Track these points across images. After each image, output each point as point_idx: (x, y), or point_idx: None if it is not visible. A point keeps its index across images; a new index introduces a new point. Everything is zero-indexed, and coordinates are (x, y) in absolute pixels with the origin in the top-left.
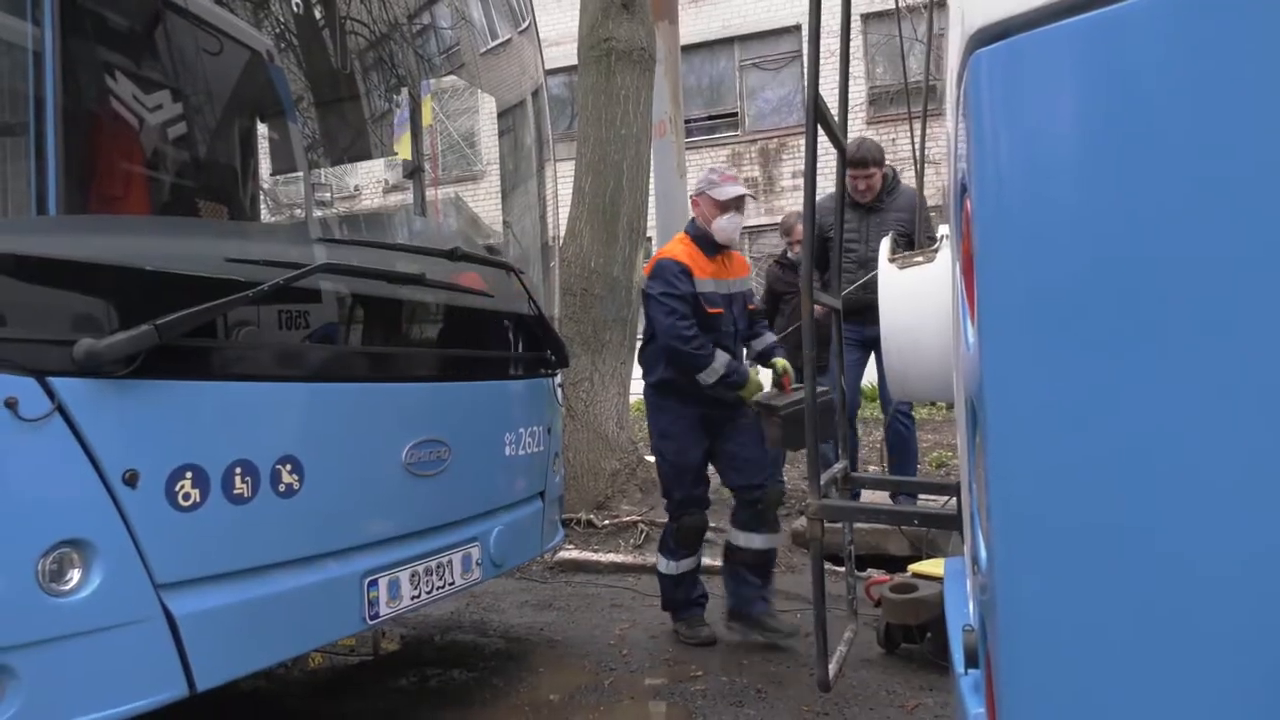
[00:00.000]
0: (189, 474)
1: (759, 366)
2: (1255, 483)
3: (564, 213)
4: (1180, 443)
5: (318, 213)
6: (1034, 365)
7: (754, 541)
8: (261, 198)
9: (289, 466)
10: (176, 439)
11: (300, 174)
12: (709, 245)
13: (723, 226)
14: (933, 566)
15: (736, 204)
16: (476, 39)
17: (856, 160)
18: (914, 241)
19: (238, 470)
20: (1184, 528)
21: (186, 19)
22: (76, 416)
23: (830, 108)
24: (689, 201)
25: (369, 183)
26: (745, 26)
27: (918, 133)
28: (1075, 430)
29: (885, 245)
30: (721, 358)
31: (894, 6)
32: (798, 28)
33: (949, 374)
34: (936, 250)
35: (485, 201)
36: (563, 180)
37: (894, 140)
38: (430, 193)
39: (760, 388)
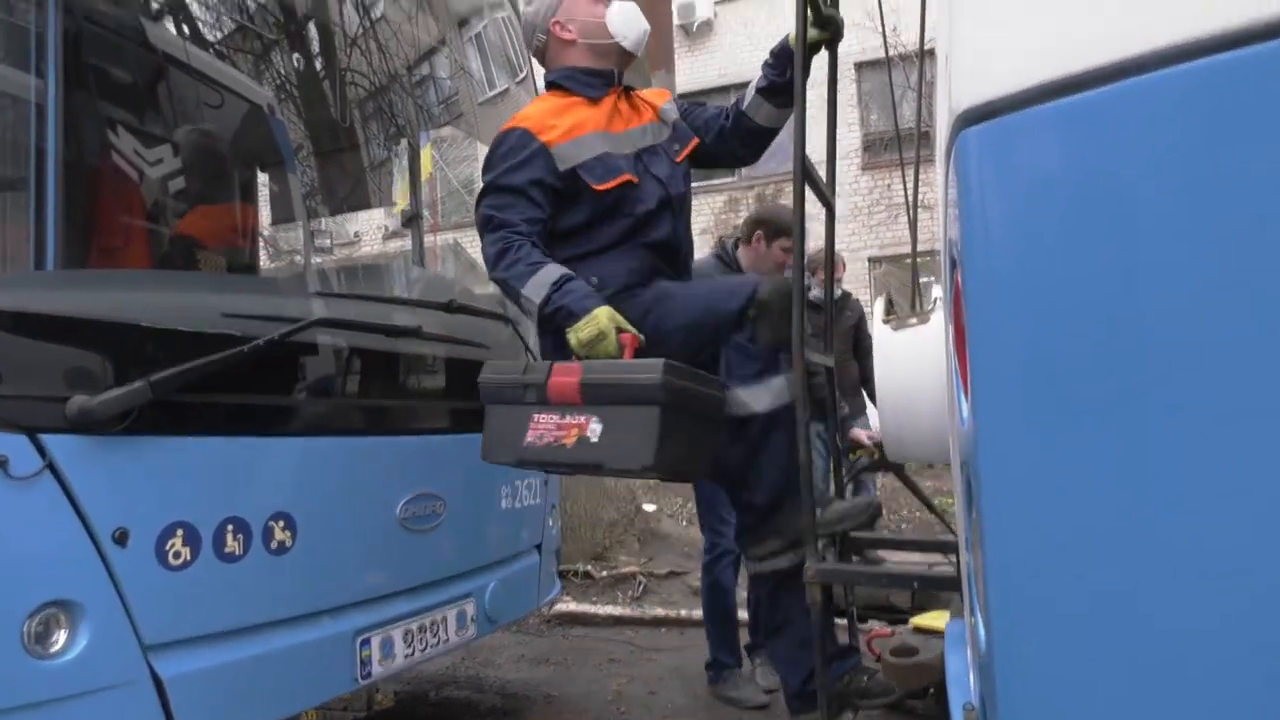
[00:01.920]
0: (180, 531)
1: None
2: (1256, 555)
3: None
4: (1180, 517)
5: (315, 262)
6: (1029, 445)
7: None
8: (261, 247)
9: (282, 523)
10: (168, 496)
11: (299, 223)
12: (591, 80)
13: (622, 23)
14: (935, 619)
15: None
16: (474, 89)
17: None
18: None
19: (229, 527)
20: (1187, 605)
21: (188, 73)
22: (68, 474)
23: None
24: (546, 32)
25: (369, 228)
26: (741, 75)
27: (910, 179)
28: (1074, 509)
29: (879, 306)
30: (552, 270)
31: (885, 55)
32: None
33: (945, 436)
34: (931, 311)
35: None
36: None
37: (889, 185)
38: (429, 238)
39: (609, 332)
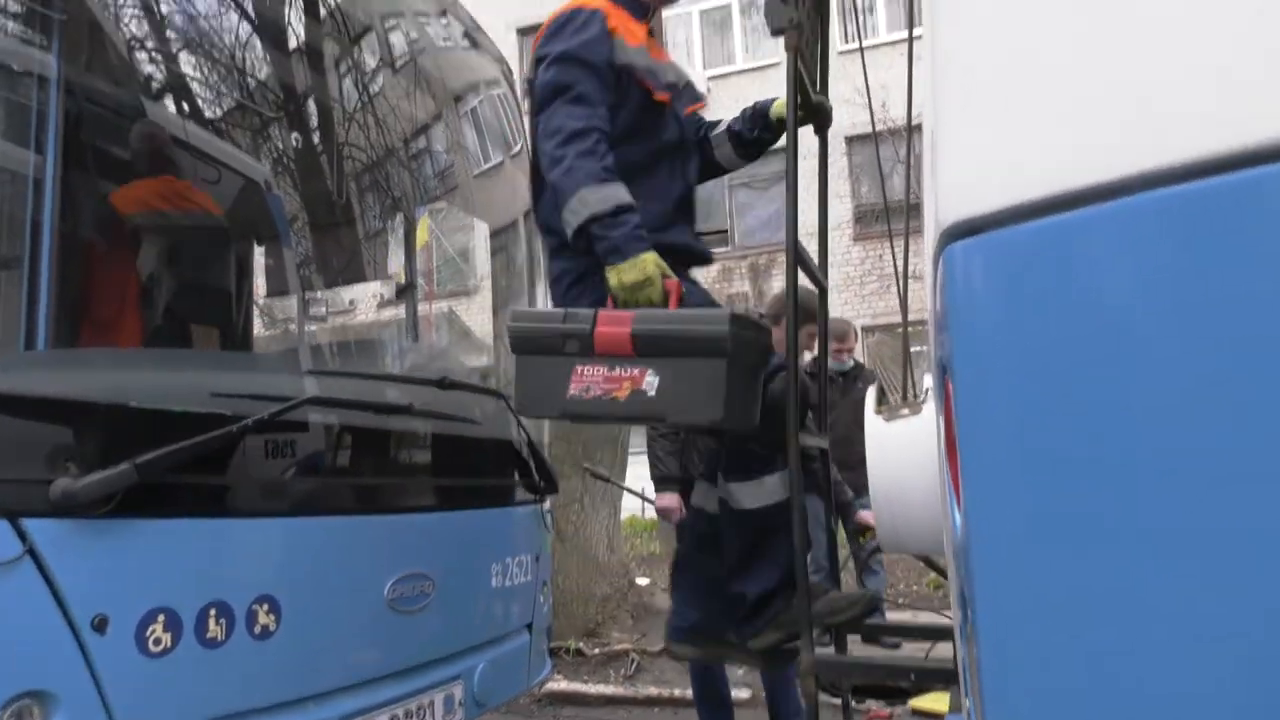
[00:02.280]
0: (161, 617)
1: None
2: (1255, 680)
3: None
4: (1175, 634)
5: (310, 330)
6: (1023, 557)
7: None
8: (255, 320)
9: (266, 606)
10: (150, 580)
11: (294, 296)
12: (635, 6)
13: None
14: (934, 702)
15: None
16: (469, 162)
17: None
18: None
19: (212, 612)
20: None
21: (186, 150)
22: (48, 559)
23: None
24: None
25: (364, 295)
26: None
27: (900, 251)
28: (1070, 619)
29: (870, 396)
30: (620, 190)
31: (873, 131)
32: (782, 149)
33: (940, 529)
34: (922, 402)
35: (479, 315)
36: None
37: (880, 256)
38: (423, 307)
39: (656, 279)
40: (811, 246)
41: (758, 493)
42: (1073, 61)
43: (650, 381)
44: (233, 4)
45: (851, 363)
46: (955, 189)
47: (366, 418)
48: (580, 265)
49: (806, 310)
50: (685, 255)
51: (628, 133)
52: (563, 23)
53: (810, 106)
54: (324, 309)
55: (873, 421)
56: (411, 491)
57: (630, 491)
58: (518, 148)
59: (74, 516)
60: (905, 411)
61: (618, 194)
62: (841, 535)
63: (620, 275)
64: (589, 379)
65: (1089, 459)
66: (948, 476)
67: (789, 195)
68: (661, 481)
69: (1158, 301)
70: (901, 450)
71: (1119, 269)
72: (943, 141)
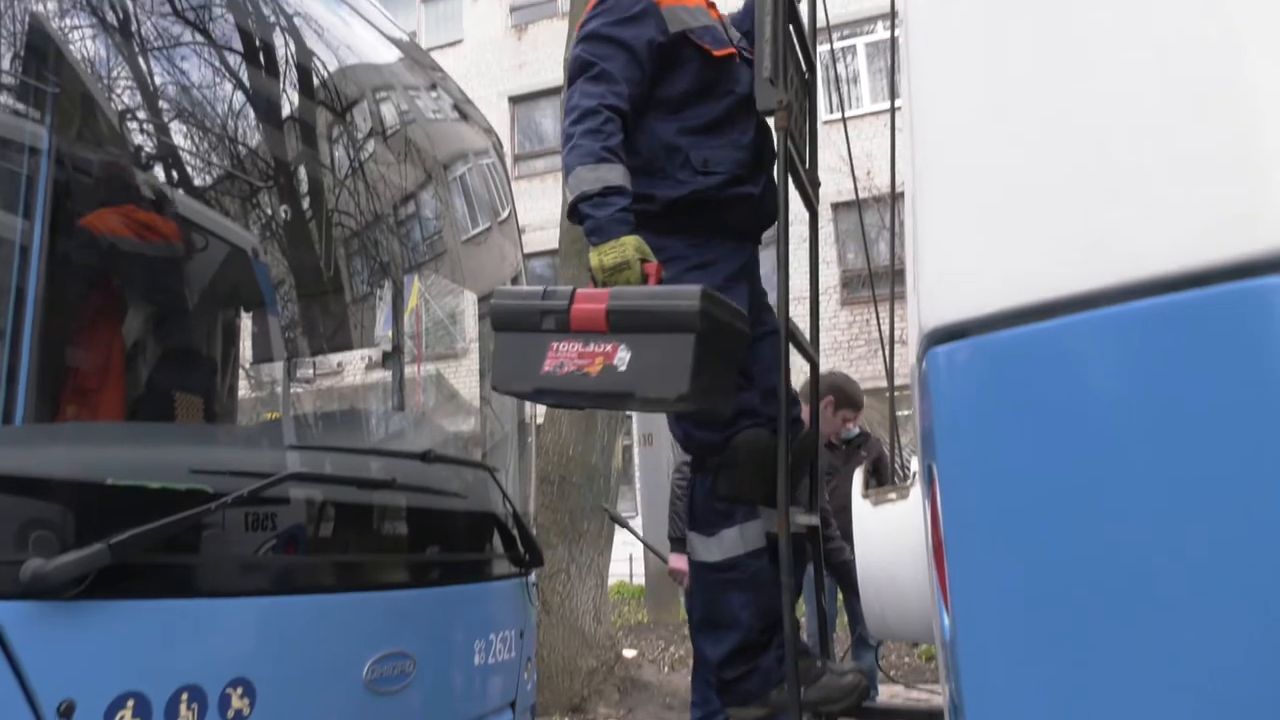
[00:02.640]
0: (130, 703)
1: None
2: None
3: None
4: None
5: (293, 401)
6: (1012, 666)
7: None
8: (239, 388)
9: (240, 690)
10: (120, 664)
11: (279, 365)
12: None
13: None
14: None
15: None
16: (458, 229)
17: (852, 401)
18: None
19: (184, 696)
20: None
21: (174, 220)
22: (14, 643)
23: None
24: None
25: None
26: None
27: (884, 316)
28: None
29: (858, 479)
30: (614, 171)
31: (856, 199)
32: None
33: (929, 617)
34: (910, 486)
35: (467, 379)
36: None
37: (867, 320)
38: (411, 370)
39: (634, 263)
40: (800, 311)
41: (715, 547)
42: (1052, 172)
43: (622, 357)
44: (224, 75)
45: (855, 430)
46: (938, 293)
47: (348, 492)
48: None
49: (847, 395)
50: (759, 208)
51: (699, 91)
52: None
53: (800, 183)
54: (311, 373)
55: (860, 505)
56: (392, 567)
57: (646, 545)
58: (505, 214)
59: (43, 599)
60: (893, 496)
61: (609, 175)
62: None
63: (601, 256)
64: (563, 355)
65: (1076, 564)
66: (935, 577)
67: (780, 272)
68: (675, 542)
69: (1140, 409)
70: (889, 536)
71: (1101, 376)
72: (924, 245)
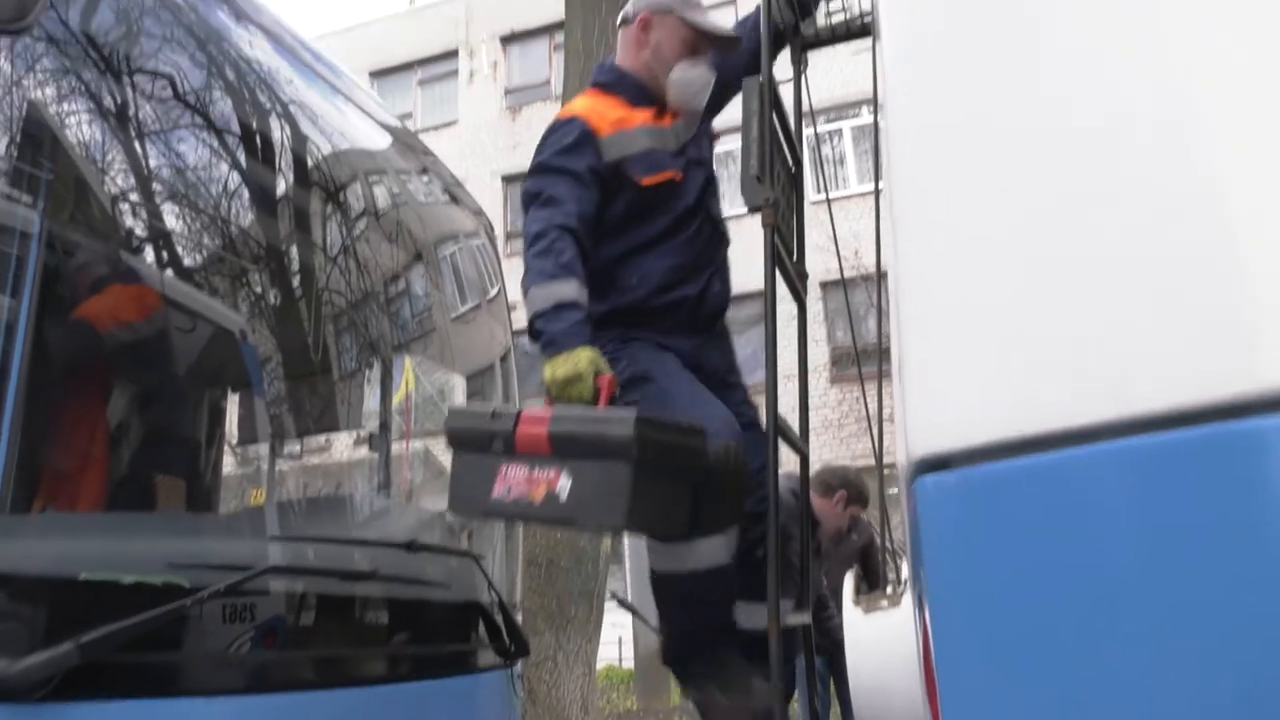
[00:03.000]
0: None
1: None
2: None
3: None
4: None
5: (276, 486)
6: None
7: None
8: (224, 468)
9: None
10: None
11: (264, 450)
12: (638, 93)
13: (687, 79)
14: None
15: (721, 44)
16: (448, 309)
17: (863, 497)
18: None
19: None
20: None
21: (162, 302)
22: None
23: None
24: (637, 16)
25: (338, 444)
26: None
27: (871, 395)
28: None
29: (849, 586)
30: (566, 287)
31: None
32: (759, 293)
33: None
34: (901, 593)
35: None
36: None
37: (858, 398)
38: (397, 450)
39: (587, 376)
40: (789, 389)
41: (686, 557)
42: (1043, 305)
43: (564, 484)
44: (215, 159)
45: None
46: (926, 422)
47: (329, 584)
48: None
49: (859, 491)
50: (699, 308)
51: (636, 215)
52: (546, 135)
53: (789, 276)
54: (296, 455)
55: (852, 614)
56: (374, 661)
57: (650, 626)
58: (494, 292)
59: (8, 702)
60: (884, 604)
61: (562, 290)
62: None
63: (554, 369)
64: (511, 480)
65: (1068, 697)
66: (927, 699)
67: (769, 371)
68: None
69: (1129, 548)
70: (881, 644)
71: (1093, 513)
72: (911, 374)
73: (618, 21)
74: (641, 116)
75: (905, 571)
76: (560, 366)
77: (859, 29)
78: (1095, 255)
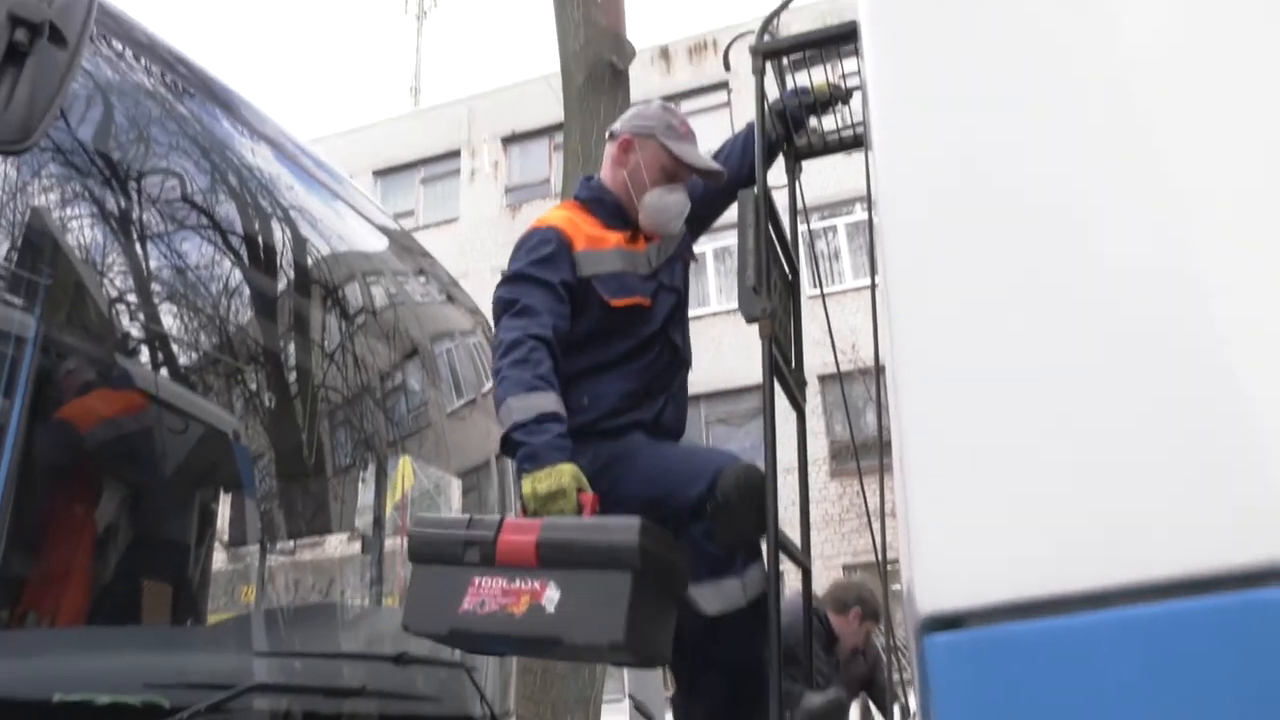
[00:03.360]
0: None
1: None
2: None
3: None
4: None
5: (264, 590)
6: None
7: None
8: (212, 573)
9: None
10: None
11: (253, 555)
12: (614, 216)
13: (660, 205)
14: None
15: (703, 176)
16: (443, 406)
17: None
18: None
19: None
20: None
21: (156, 404)
22: None
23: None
24: (619, 135)
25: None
26: (710, 385)
27: (868, 488)
28: None
29: (855, 713)
30: (546, 399)
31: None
32: (758, 387)
33: None
34: None
35: None
36: None
37: (859, 492)
38: (390, 549)
39: (570, 491)
40: (788, 482)
41: (713, 599)
42: (1053, 463)
43: (551, 596)
44: (212, 261)
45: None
46: (935, 577)
47: (316, 701)
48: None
49: (873, 608)
50: (654, 430)
51: (600, 334)
52: (520, 243)
53: (787, 385)
54: (288, 556)
55: None
56: None
57: None
58: (488, 387)
59: None
60: None
61: (543, 402)
62: None
63: (535, 484)
64: (485, 592)
65: None
66: None
67: (770, 485)
68: None
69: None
70: None
71: (1107, 679)
72: (918, 529)
73: (607, 135)
74: (616, 238)
75: (914, 703)
76: (542, 482)
77: (851, 140)
78: (1105, 405)
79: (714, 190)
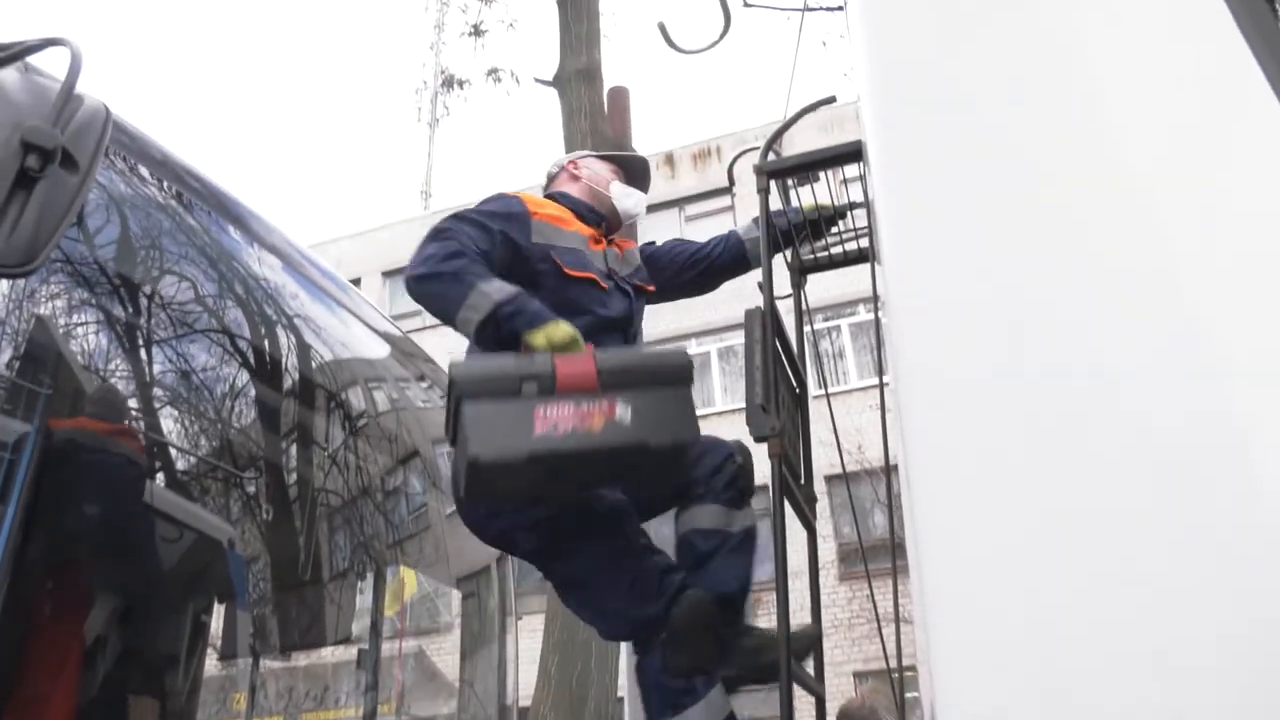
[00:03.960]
0: None
1: None
2: None
3: (525, 671)
4: None
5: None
6: None
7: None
8: (202, 684)
9: None
10: None
11: (244, 665)
12: (583, 211)
13: (626, 190)
14: None
15: (642, 173)
16: (443, 509)
17: None
18: None
19: None
20: None
21: (153, 515)
22: None
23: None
24: (562, 167)
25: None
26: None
27: (879, 592)
28: None
29: None
30: (503, 283)
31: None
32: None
33: None
34: None
35: (450, 655)
36: (530, 634)
37: (868, 595)
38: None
39: (580, 337)
40: (797, 586)
41: None
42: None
43: (622, 412)
44: (215, 375)
45: None
46: (955, 695)
47: None
48: None
49: None
50: None
51: (555, 308)
52: (481, 200)
53: (797, 502)
54: (280, 667)
55: None
56: None
57: None
58: None
59: None
60: None
61: (507, 285)
62: None
63: (548, 335)
64: (555, 417)
65: None
66: None
67: (780, 609)
68: None
69: None
70: None
71: None
72: (939, 663)
73: (543, 182)
74: (580, 227)
75: None
76: (554, 332)
77: (856, 255)
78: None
79: (685, 263)
